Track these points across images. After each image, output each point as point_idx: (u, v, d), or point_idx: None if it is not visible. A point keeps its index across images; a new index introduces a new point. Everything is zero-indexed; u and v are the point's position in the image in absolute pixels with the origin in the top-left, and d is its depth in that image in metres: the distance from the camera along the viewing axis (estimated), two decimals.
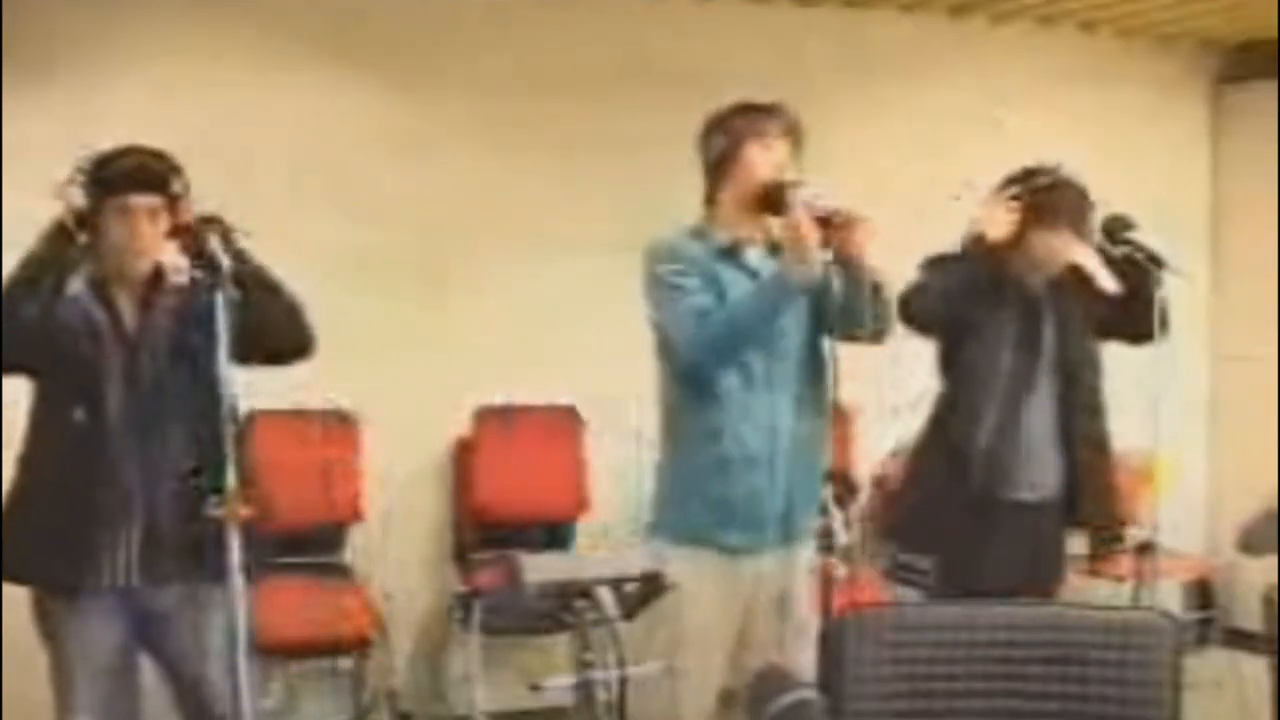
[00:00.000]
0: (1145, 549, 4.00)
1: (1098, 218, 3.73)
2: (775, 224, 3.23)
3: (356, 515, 4.98)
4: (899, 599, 3.68)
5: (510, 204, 5.21)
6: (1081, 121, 5.72)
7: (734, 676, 3.22)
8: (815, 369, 3.27)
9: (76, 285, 3.12)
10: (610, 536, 4.95)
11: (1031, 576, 3.60)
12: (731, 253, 3.25)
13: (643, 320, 3.34)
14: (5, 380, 3.22)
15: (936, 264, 3.66)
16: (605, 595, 3.13)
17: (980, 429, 3.62)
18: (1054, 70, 5.94)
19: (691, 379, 3.22)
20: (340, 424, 4.94)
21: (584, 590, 3.13)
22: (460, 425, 5.18)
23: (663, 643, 3.25)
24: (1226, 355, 6.29)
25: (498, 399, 5.16)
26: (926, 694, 2.54)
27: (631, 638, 3.21)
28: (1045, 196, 3.61)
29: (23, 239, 3.20)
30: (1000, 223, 3.60)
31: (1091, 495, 3.74)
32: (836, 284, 3.16)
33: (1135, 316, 3.70)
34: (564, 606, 3.17)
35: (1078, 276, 3.74)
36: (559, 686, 3.24)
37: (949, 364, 3.74)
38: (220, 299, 2.95)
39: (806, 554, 3.26)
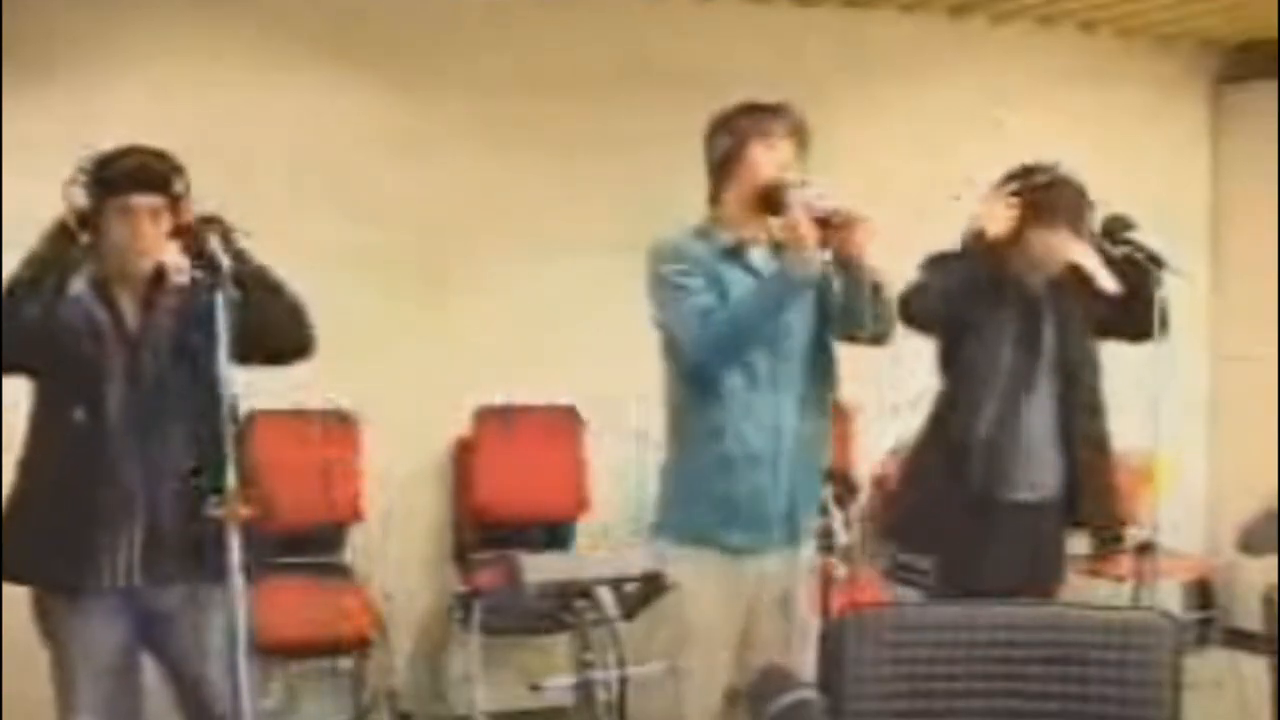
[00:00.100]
0: (1145, 549, 4.01)
1: (1098, 218, 3.73)
2: (776, 224, 3.23)
3: (356, 515, 4.98)
4: (899, 599, 3.68)
5: (510, 204, 5.21)
6: (1081, 121, 5.72)
7: (739, 676, 3.22)
8: (819, 369, 3.28)
9: (79, 285, 3.12)
10: (610, 536, 4.95)
11: (1031, 577, 3.60)
12: (735, 253, 3.26)
13: (643, 320, 3.34)
14: (6, 382, 3.23)
15: (937, 263, 3.66)
16: (605, 595, 3.13)
17: (979, 428, 3.61)
18: (1054, 70, 5.94)
19: (696, 378, 3.22)
20: (340, 424, 4.94)
21: (584, 590, 3.13)
22: (460, 425, 5.18)
23: (666, 642, 3.25)
24: (1226, 355, 6.28)
25: (498, 399, 5.16)
26: (926, 694, 2.54)
27: (634, 638, 3.22)
28: (1043, 195, 3.61)
29: (23, 239, 3.20)
30: (1000, 219, 3.60)
31: (1092, 495, 3.74)
32: (836, 284, 3.17)
33: (1135, 316, 3.71)
34: (564, 606, 3.17)
35: (1076, 276, 3.74)
36: (559, 686, 3.24)
37: (949, 363, 3.74)
38: (220, 299, 2.95)
39: (809, 554, 3.26)
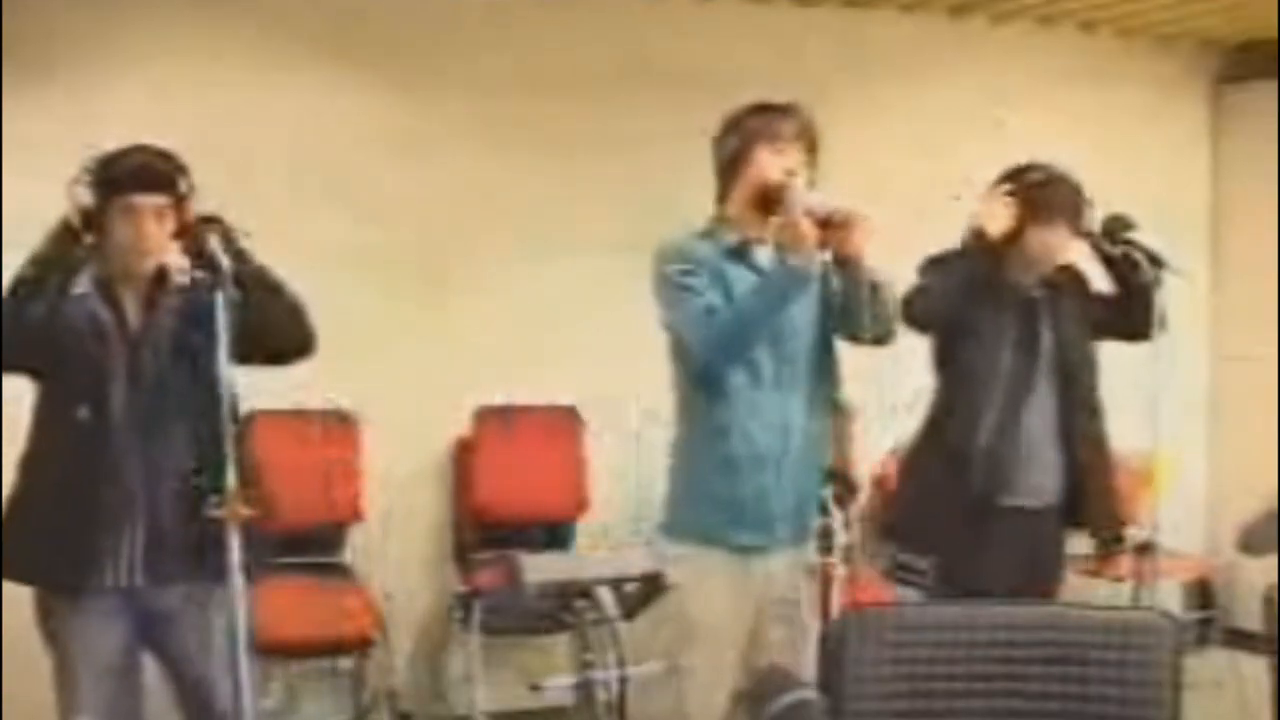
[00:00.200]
0: (1145, 549, 4.00)
1: (1098, 218, 3.73)
2: (776, 223, 3.23)
3: (356, 515, 4.98)
4: (899, 599, 3.67)
5: (510, 204, 5.21)
6: (1081, 121, 5.72)
7: (746, 676, 3.22)
8: (823, 369, 3.28)
9: (82, 284, 3.12)
10: (610, 536, 4.95)
11: (1031, 579, 3.59)
12: (739, 252, 3.26)
13: (643, 320, 3.34)
14: (6, 380, 3.23)
15: (936, 264, 3.66)
16: (605, 595, 3.13)
17: (980, 434, 3.61)
18: (1054, 70, 5.94)
19: (703, 378, 3.23)
20: (340, 424, 4.94)
21: (584, 590, 3.13)
22: (460, 425, 5.18)
23: (670, 642, 3.25)
24: (1226, 355, 6.29)
25: (498, 399, 5.16)
26: (926, 694, 2.54)
27: (638, 637, 3.22)
28: (1040, 193, 3.61)
29: (23, 239, 3.20)
30: (1000, 217, 3.60)
31: (1092, 497, 3.74)
32: (835, 284, 3.17)
33: (1132, 316, 3.71)
34: (564, 606, 3.17)
35: (1070, 275, 3.74)
36: (559, 686, 3.25)
37: (944, 364, 3.74)
38: (220, 299, 2.95)
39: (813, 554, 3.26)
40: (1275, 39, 5.81)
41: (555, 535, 5.17)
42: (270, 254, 3.19)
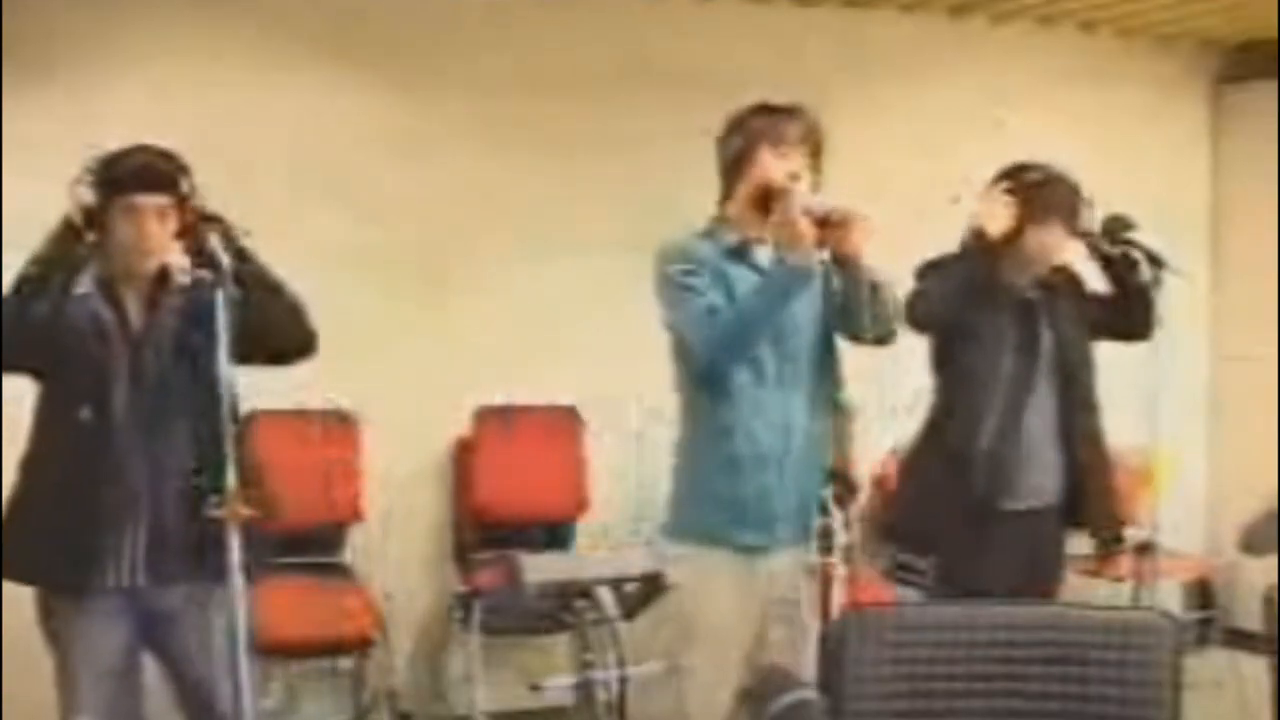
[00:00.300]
0: (1145, 549, 4.00)
1: (1098, 217, 3.73)
2: (774, 222, 3.22)
3: (357, 515, 4.98)
4: (899, 599, 3.67)
5: (510, 204, 5.21)
6: (1081, 121, 5.72)
7: (751, 676, 3.22)
8: (825, 368, 3.28)
9: (84, 284, 3.12)
10: (610, 536, 4.95)
11: (1030, 579, 3.59)
12: (740, 252, 3.26)
13: (643, 320, 3.34)
14: (7, 380, 3.23)
15: (933, 268, 3.66)
16: (605, 595, 3.13)
17: (981, 439, 3.60)
18: (1054, 70, 5.94)
19: (706, 378, 3.22)
20: (340, 424, 4.94)
21: (584, 590, 3.14)
22: (460, 425, 5.18)
23: (671, 642, 3.25)
24: (1226, 355, 6.29)
25: (498, 399, 5.16)
26: (926, 694, 2.54)
27: (639, 637, 3.22)
28: (1037, 192, 3.61)
29: (23, 239, 3.20)
30: (999, 217, 3.60)
31: (1092, 498, 3.73)
32: (835, 283, 3.17)
33: (1129, 316, 3.71)
34: (564, 606, 3.18)
35: (1066, 276, 3.74)
36: (559, 686, 3.24)
37: (944, 365, 3.73)
38: (220, 298, 2.95)
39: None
40: (1275, 39, 5.81)
41: (555, 535, 5.17)
42: (270, 254, 3.20)
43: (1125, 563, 4.95)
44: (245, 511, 2.98)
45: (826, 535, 3.02)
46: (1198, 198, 6.35)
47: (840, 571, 3.00)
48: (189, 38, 4.88)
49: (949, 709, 2.54)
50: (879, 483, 5.04)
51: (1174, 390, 3.83)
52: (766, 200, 3.20)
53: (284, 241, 3.23)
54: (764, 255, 3.26)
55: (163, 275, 3.14)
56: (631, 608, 3.21)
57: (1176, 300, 3.72)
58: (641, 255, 3.31)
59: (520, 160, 5.20)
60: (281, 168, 4.90)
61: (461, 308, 5.20)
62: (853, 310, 3.14)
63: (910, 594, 3.64)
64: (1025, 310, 3.67)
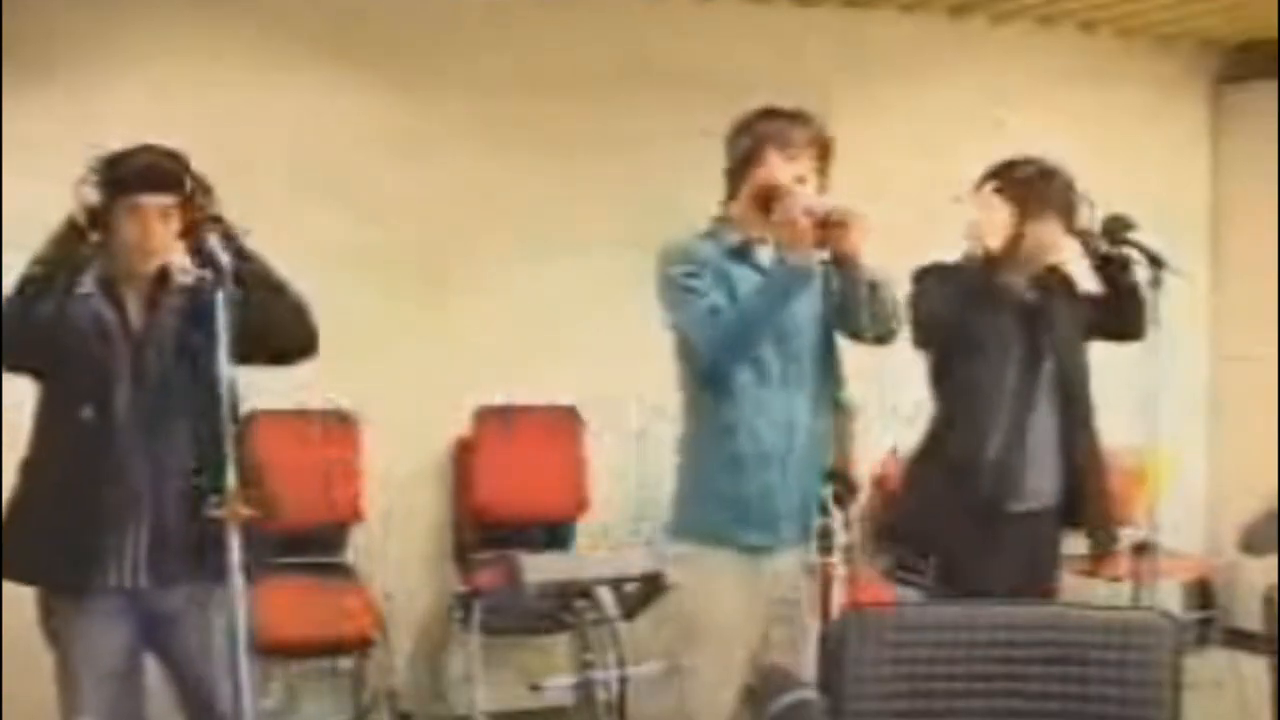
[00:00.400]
0: (1144, 549, 3.99)
1: (1098, 217, 3.73)
2: (774, 222, 3.23)
3: (357, 515, 4.98)
4: (899, 599, 3.67)
5: (510, 204, 5.21)
6: (1081, 121, 5.72)
7: (754, 675, 3.22)
8: (828, 367, 3.28)
9: (86, 284, 3.12)
10: (610, 536, 4.96)
11: (1029, 581, 3.58)
12: (742, 252, 3.26)
13: (643, 320, 3.35)
14: (8, 383, 3.23)
15: (931, 273, 3.64)
16: (605, 595, 3.13)
17: (989, 450, 3.58)
18: (1054, 70, 5.94)
19: (710, 378, 3.23)
20: (340, 424, 4.94)
21: (584, 590, 3.14)
22: (460, 425, 5.18)
23: (672, 642, 3.25)
24: (1226, 355, 6.29)
25: (498, 399, 5.16)
26: (926, 694, 2.54)
27: (639, 637, 3.22)
28: (1030, 188, 3.60)
29: (23, 239, 3.20)
30: (998, 226, 3.58)
31: (1089, 500, 3.72)
32: (834, 283, 3.17)
33: (1123, 316, 3.69)
34: (564, 606, 3.18)
35: (1059, 277, 3.73)
36: (559, 686, 3.24)
37: (946, 377, 3.70)
38: (220, 298, 2.95)
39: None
40: (1275, 39, 5.81)
41: (555, 535, 5.17)
42: (270, 254, 3.20)
43: (1125, 563, 4.95)
44: (245, 511, 2.97)
45: (826, 535, 3.02)
46: (1198, 198, 6.35)
47: (840, 571, 3.00)
48: (189, 38, 4.88)
49: (949, 709, 2.54)
50: (879, 483, 5.04)
51: (1174, 390, 3.82)
52: (768, 200, 3.20)
53: (284, 241, 3.23)
54: (766, 255, 3.26)
55: (163, 275, 3.14)
56: (631, 608, 3.21)
57: (1176, 300, 3.71)
58: (642, 255, 3.32)
59: (520, 160, 5.20)
60: (281, 168, 4.89)
61: (461, 308, 5.21)
62: (852, 309, 3.15)
63: (910, 594, 3.63)
64: (1026, 316, 3.65)
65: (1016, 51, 5.95)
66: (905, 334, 3.46)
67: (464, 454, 5.22)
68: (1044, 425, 3.67)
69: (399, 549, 5.05)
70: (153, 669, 3.31)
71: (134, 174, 3.10)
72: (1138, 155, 5.92)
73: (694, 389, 3.30)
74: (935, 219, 3.71)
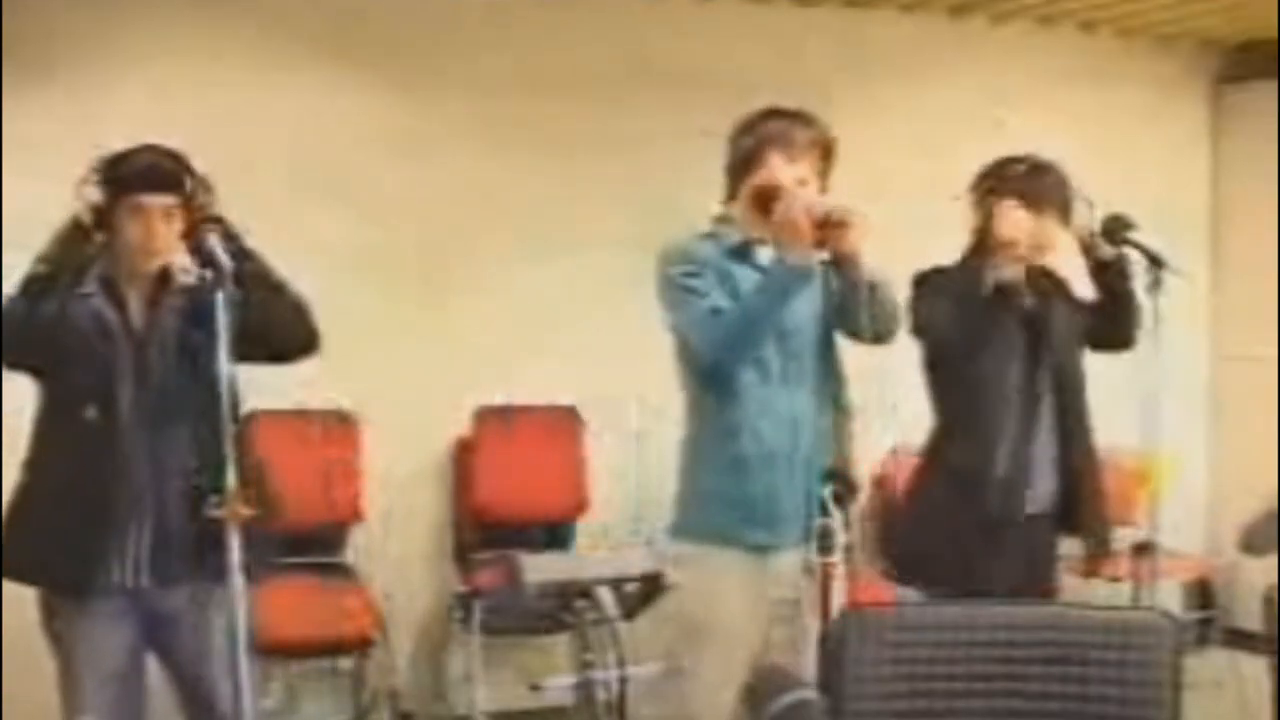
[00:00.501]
0: (1144, 549, 3.99)
1: (1097, 218, 3.72)
2: (774, 221, 3.22)
3: (357, 515, 4.98)
4: (899, 599, 3.67)
5: (510, 204, 5.21)
6: (1081, 121, 5.72)
7: (755, 674, 3.21)
8: (829, 366, 3.28)
9: (88, 284, 3.13)
10: (610, 536, 4.96)
11: (1028, 582, 3.58)
12: (742, 252, 3.25)
13: (643, 320, 3.34)
14: (8, 387, 3.23)
15: (929, 280, 3.62)
16: (605, 595, 3.13)
17: (995, 460, 3.55)
18: (1054, 70, 5.94)
19: (712, 378, 3.22)
20: (340, 424, 4.95)
21: (584, 590, 3.13)
22: (460, 425, 5.18)
23: (673, 642, 3.24)
24: (1226, 355, 6.29)
25: (498, 399, 5.16)
26: (926, 694, 2.54)
27: (639, 637, 3.21)
28: (1027, 184, 3.59)
29: (23, 239, 3.20)
30: (1012, 220, 3.57)
31: (1085, 503, 3.71)
32: (834, 282, 3.17)
33: (1116, 322, 3.67)
34: (564, 606, 3.17)
35: (1054, 281, 3.71)
36: (559, 686, 3.24)
37: (950, 387, 3.67)
38: (220, 298, 2.95)
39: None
40: (1275, 39, 5.82)
41: (555, 535, 5.17)
42: (271, 254, 3.20)
43: (1125, 563, 4.95)
44: (245, 511, 2.97)
45: (826, 535, 3.02)
46: (1198, 198, 6.35)
47: (840, 571, 3.00)
48: (189, 38, 4.88)
49: (949, 709, 2.54)
50: (879, 483, 5.04)
51: (1174, 390, 3.81)
52: (768, 200, 3.20)
53: (284, 241, 3.24)
54: (766, 255, 3.25)
55: (164, 275, 3.13)
56: (632, 608, 3.21)
57: (1176, 300, 3.71)
58: (642, 255, 3.32)
59: (520, 160, 5.21)
60: (281, 168, 4.89)
61: (461, 308, 5.21)
62: (851, 309, 3.14)
63: (910, 594, 3.63)
64: (1026, 323, 3.64)
65: (1016, 51, 5.95)
66: (905, 334, 3.47)
67: (464, 454, 5.22)
68: (1045, 432, 3.66)
69: (399, 549, 5.06)
70: (153, 669, 3.31)
71: (136, 174, 3.10)
72: (1138, 155, 5.92)
73: (696, 390, 3.30)
74: (935, 219, 3.70)
